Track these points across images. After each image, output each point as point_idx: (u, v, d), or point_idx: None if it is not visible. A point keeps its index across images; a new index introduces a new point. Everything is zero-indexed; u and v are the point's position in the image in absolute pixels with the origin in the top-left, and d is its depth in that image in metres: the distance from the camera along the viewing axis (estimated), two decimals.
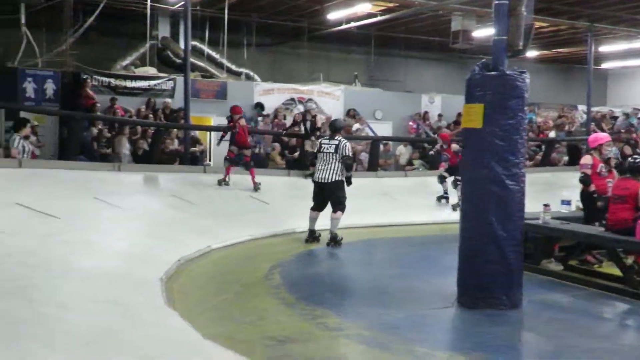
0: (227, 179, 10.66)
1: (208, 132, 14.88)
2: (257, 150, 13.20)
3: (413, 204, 11.41)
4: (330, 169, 8.31)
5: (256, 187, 10.60)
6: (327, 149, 8.40)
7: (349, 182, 8.46)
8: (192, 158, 12.82)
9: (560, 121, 18.76)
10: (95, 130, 12.35)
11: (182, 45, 15.62)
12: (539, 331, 5.19)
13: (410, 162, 15.39)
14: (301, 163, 12.25)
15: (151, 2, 15.39)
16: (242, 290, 6.03)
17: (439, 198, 11.77)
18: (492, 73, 5.50)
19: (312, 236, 8.50)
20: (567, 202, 8.33)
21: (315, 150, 9.00)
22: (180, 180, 10.28)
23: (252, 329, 4.83)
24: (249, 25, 18.12)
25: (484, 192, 5.45)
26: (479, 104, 5.47)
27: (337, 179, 8.32)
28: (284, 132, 13.57)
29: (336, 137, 8.48)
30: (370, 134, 16.02)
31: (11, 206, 6.80)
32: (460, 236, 5.69)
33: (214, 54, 17.32)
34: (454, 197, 11.18)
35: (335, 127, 8.70)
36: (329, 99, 17.26)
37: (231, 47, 17.38)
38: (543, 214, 7.07)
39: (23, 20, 14.50)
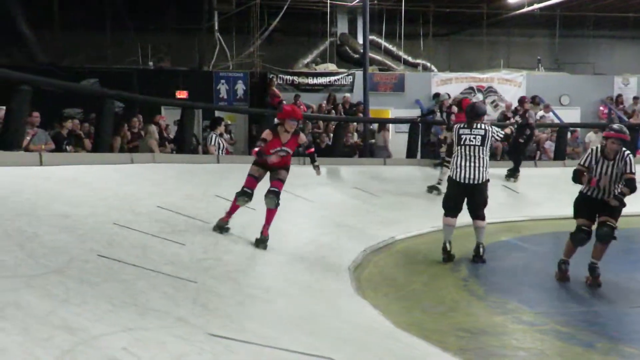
0: (226, 223, 6.09)
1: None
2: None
3: None
4: (477, 166, 6.76)
5: (260, 241, 5.92)
6: (471, 140, 6.80)
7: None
8: (371, 150, 13.05)
9: None
10: None
11: (359, 40, 16.00)
12: None
13: None
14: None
15: (330, 0, 15.93)
16: (429, 281, 6.03)
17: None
18: None
19: (449, 251, 6.89)
20: None
21: (453, 143, 7.17)
22: (361, 173, 10.49)
23: (443, 319, 4.81)
24: (425, 16, 18.02)
25: None
26: None
27: (486, 177, 6.85)
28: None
29: (479, 126, 6.86)
30: (556, 120, 15.23)
31: (213, 198, 7.40)
32: None
33: (390, 46, 17.50)
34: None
35: (476, 113, 6.97)
36: (510, 86, 16.64)
37: (407, 38, 17.43)
38: None
39: (217, 27, 15.81)
